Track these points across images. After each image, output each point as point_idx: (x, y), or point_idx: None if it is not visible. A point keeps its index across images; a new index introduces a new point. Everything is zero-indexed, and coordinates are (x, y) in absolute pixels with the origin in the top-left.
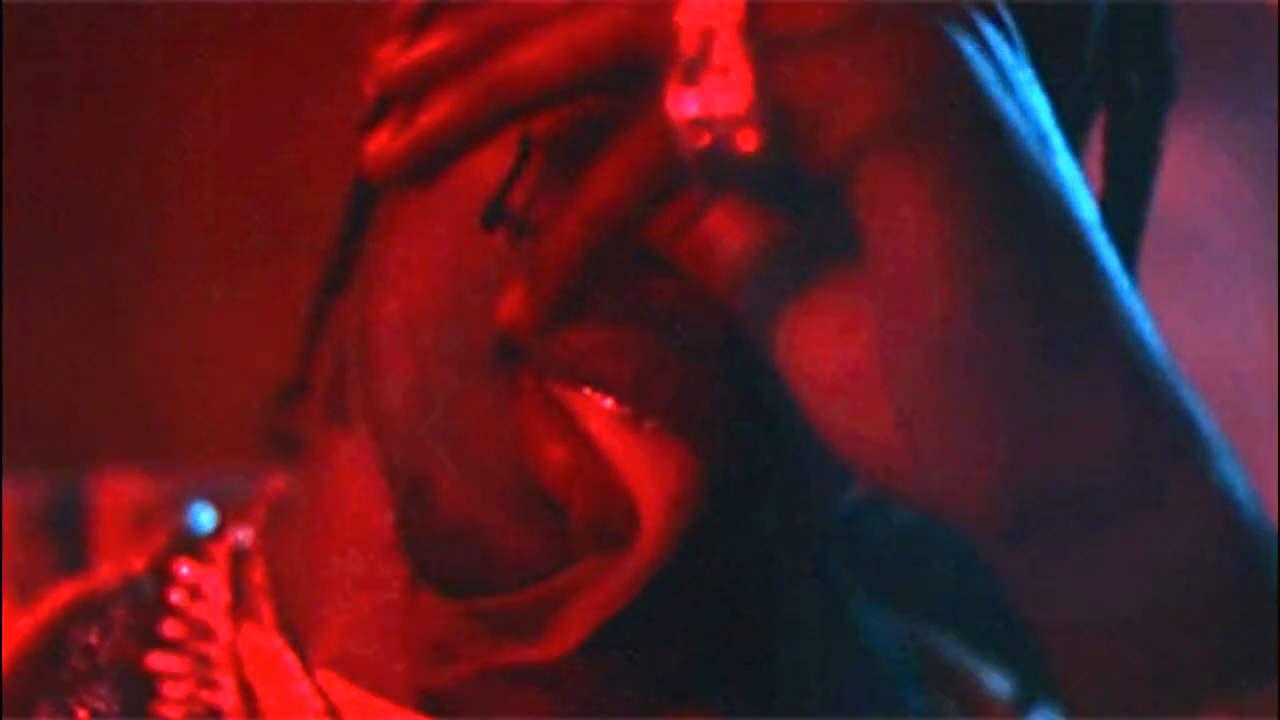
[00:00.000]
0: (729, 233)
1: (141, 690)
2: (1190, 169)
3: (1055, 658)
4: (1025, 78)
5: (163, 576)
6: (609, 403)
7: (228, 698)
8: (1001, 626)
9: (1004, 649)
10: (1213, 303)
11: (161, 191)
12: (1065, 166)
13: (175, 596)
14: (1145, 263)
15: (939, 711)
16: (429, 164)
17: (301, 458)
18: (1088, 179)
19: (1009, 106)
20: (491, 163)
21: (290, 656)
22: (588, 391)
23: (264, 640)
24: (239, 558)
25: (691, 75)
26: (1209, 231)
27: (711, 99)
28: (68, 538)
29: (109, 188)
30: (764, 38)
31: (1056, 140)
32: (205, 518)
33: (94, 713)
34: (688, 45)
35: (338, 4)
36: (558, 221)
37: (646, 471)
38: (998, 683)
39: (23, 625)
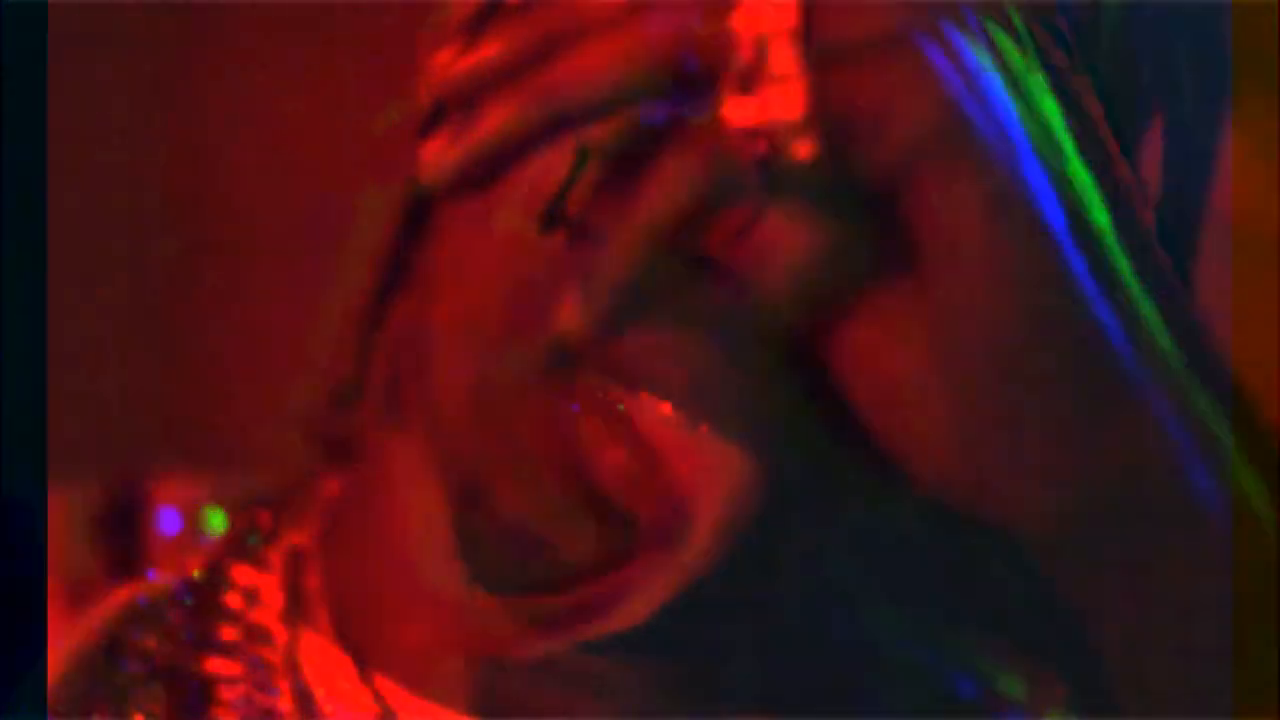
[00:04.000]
0: (785, 240)
1: (197, 694)
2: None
3: (1101, 657)
4: (1036, 84)
5: (219, 580)
6: (665, 407)
7: (284, 702)
8: (1017, 629)
9: (1021, 651)
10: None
11: (216, 195)
12: (1075, 171)
13: (231, 600)
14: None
15: (960, 712)
16: (485, 171)
17: (357, 461)
18: (1146, 181)
19: (1020, 113)
20: (548, 169)
21: (346, 660)
22: (644, 396)
23: (320, 644)
24: (295, 561)
25: (747, 83)
26: (1258, 231)
27: (768, 107)
28: (123, 541)
29: (162, 191)
30: (820, 45)
31: (1068, 145)
32: (261, 522)
33: (150, 716)
34: (744, 53)
35: (396, 8)
36: (614, 228)
37: (701, 474)
38: (1012, 685)
39: (78, 628)
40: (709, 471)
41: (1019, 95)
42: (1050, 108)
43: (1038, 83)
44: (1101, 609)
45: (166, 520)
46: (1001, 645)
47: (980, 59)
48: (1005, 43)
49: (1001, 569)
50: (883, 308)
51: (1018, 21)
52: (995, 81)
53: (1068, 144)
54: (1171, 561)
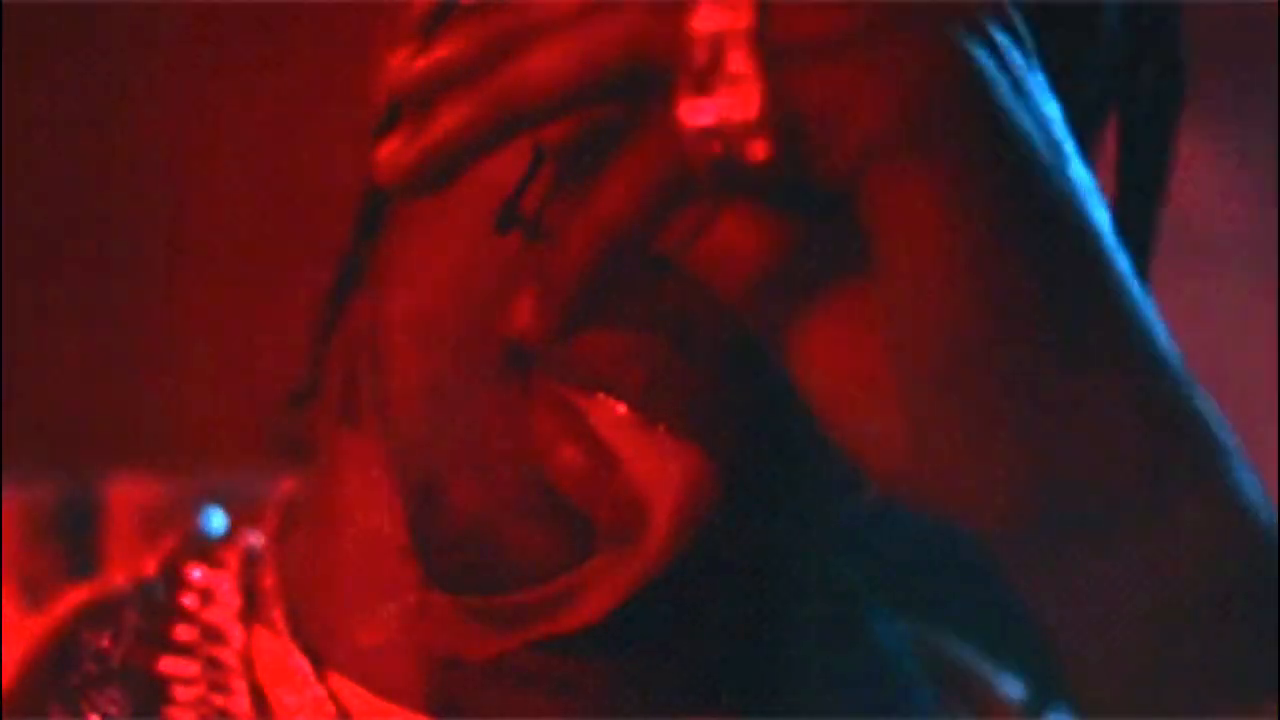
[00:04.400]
0: (740, 240)
1: (153, 694)
2: (1192, 168)
3: (1068, 660)
4: (1037, 82)
5: (174, 580)
6: (621, 407)
7: (239, 701)
8: (1013, 629)
9: (1015, 652)
10: (1213, 302)
11: (173, 195)
12: (1078, 172)
13: (187, 600)
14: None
15: (950, 714)
16: (441, 171)
17: (312, 460)
18: (1100, 182)
19: (1021, 113)
20: (504, 169)
21: (302, 660)
22: (600, 396)
23: (276, 644)
24: (250, 561)
25: (703, 84)
26: (1210, 231)
27: (722, 108)
28: (78, 541)
29: (120, 191)
30: (775, 46)
31: (1069, 146)
32: (216, 521)
33: (105, 716)
34: (699, 54)
35: (351, 8)
36: (569, 228)
37: (658, 474)
38: (1009, 686)
39: (33, 629)
40: (666, 472)
41: (1019, 94)
42: (1051, 107)
43: (1038, 81)
44: (1060, 610)
45: (206, 518)
46: (979, 644)
47: (978, 57)
48: (1004, 41)
49: (961, 567)
50: (838, 308)
51: (1017, 21)
52: (994, 80)
53: (1068, 144)
54: (1139, 556)
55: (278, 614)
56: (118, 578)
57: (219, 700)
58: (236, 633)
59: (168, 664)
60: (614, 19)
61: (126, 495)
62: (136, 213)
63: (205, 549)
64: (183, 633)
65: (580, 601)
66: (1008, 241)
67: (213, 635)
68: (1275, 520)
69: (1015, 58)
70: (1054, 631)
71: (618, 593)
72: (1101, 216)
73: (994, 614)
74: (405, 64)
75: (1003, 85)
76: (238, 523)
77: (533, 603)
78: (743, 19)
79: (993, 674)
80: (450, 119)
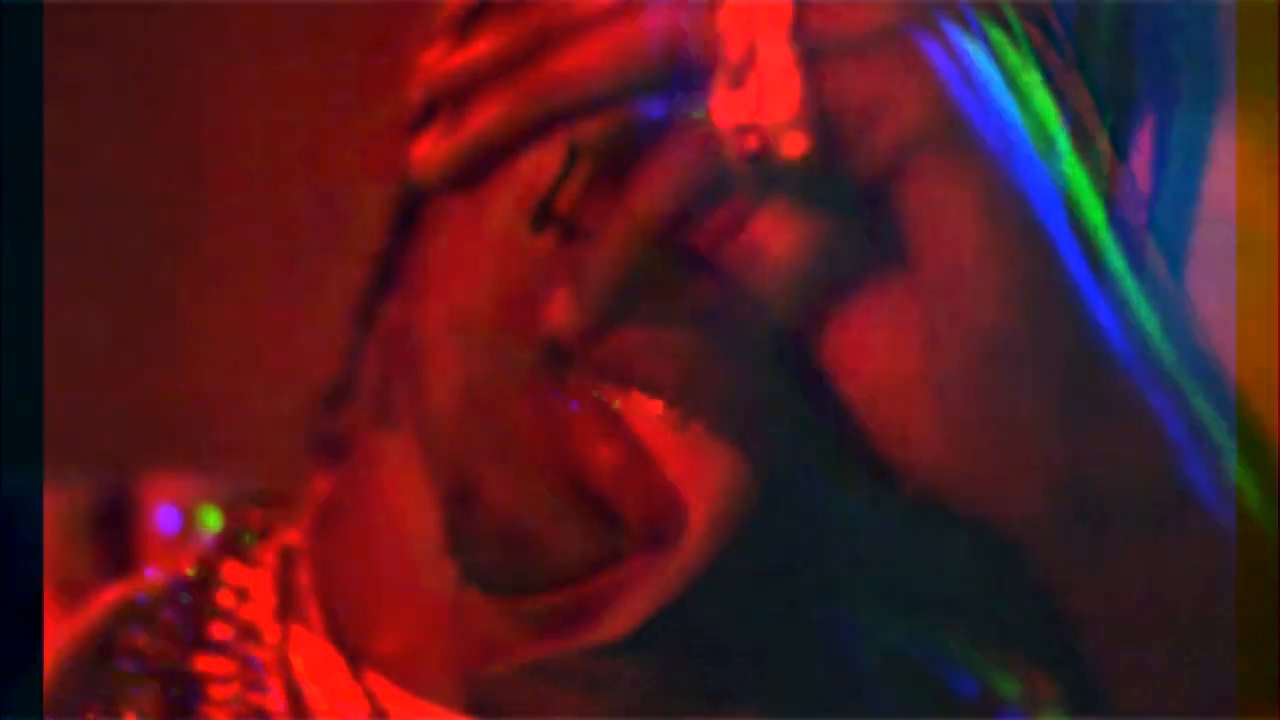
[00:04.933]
0: (775, 236)
1: (189, 692)
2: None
3: (1093, 656)
4: (1031, 80)
5: (210, 579)
6: (656, 405)
7: (275, 700)
8: (1010, 628)
9: (1012, 650)
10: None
11: (208, 193)
12: (1070, 169)
13: (223, 599)
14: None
15: (953, 712)
16: (476, 169)
17: (348, 459)
18: (1135, 179)
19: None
20: (539, 167)
21: (338, 658)
22: (635, 394)
23: (311, 642)
24: (286, 560)
25: (738, 80)
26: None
27: (758, 104)
28: (114, 540)
29: (155, 190)
30: (809, 42)
31: (1063, 143)
32: (253, 520)
33: (141, 714)
34: (734, 50)
35: (385, 6)
36: (604, 225)
37: (693, 472)
38: (1005, 683)
39: (70, 627)
40: (701, 469)
41: (1014, 92)
42: (1045, 105)
43: (1033, 80)
44: (1093, 606)
45: (165, 519)
46: (995, 643)
47: (976, 56)
48: (1001, 40)
49: (994, 566)
50: (874, 304)
51: (1013, 19)
52: (991, 78)
53: (1063, 142)
54: (1165, 559)
55: (313, 612)
56: (154, 576)
57: (255, 698)
58: (272, 631)
59: (204, 662)
60: (648, 15)
61: (162, 494)
62: (174, 212)
63: (242, 548)
64: (219, 631)
65: (617, 606)
66: (1042, 235)
67: (249, 633)
68: (1274, 519)
69: (1010, 56)
70: (1084, 627)
71: (656, 598)
72: (1095, 213)
73: (989, 611)
74: (440, 61)
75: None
76: (274, 522)
77: (569, 605)
78: (779, 15)
79: (987, 671)
80: (485, 115)
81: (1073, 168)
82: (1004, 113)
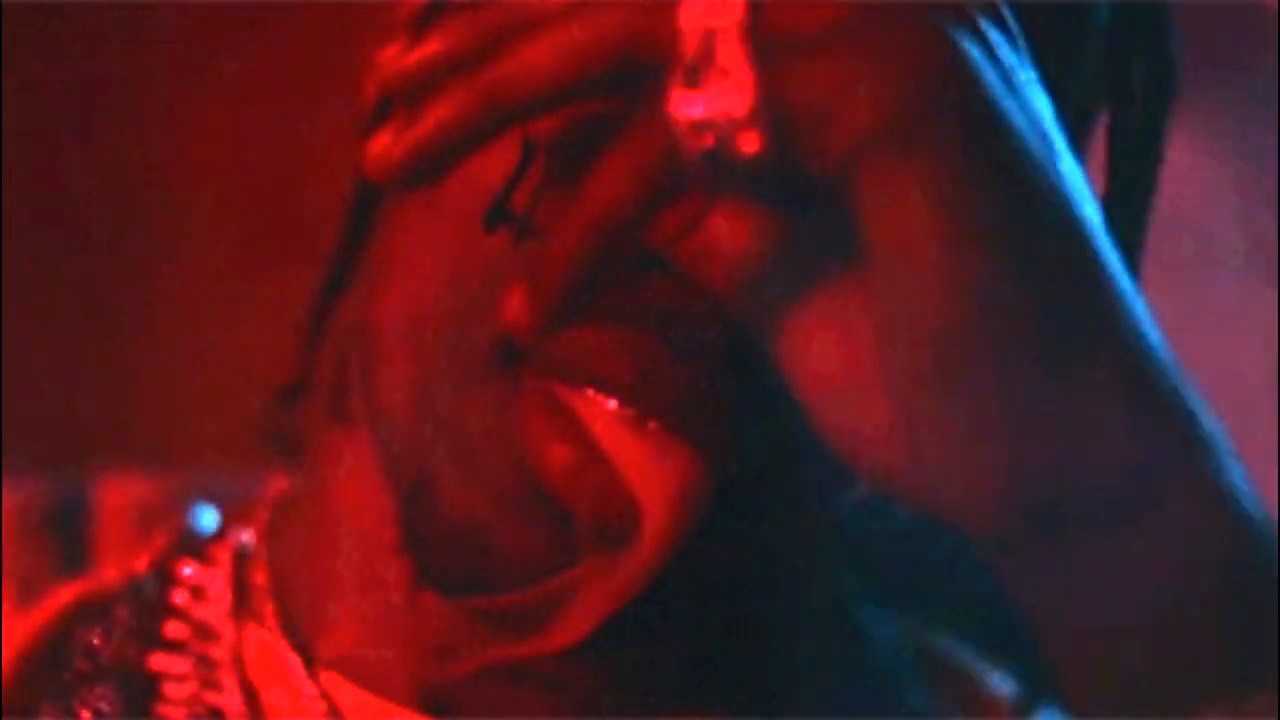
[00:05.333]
0: (730, 234)
1: (144, 691)
2: (1190, 167)
3: (1056, 658)
4: (1028, 78)
5: (165, 577)
6: (611, 404)
7: (230, 699)
8: (1005, 627)
9: (1007, 649)
10: (1213, 303)
11: (164, 193)
12: (1068, 167)
13: (178, 597)
14: (1146, 262)
15: (941, 712)
16: (431, 166)
17: (303, 458)
18: (1090, 179)
19: (1011, 107)
20: (494, 165)
21: (293, 657)
22: (590, 393)
23: (267, 641)
24: (241, 558)
25: (693, 77)
26: (1208, 230)
27: (713, 101)
28: (70, 538)
29: (112, 189)
30: (766, 40)
31: (1059, 141)
32: (208, 519)
33: (97, 713)
34: (690, 47)
35: (340, 5)
36: (560, 223)
37: (649, 471)
38: (1001, 683)
39: (25, 626)
40: (656, 470)
41: (1009, 89)
42: (1042, 102)
43: (1029, 77)
44: (1054, 603)
45: (201, 517)
46: (973, 642)
47: (969, 51)
48: (994, 36)
49: (954, 564)
50: (828, 303)
51: (1009, 18)
52: (984, 74)
53: (1059, 140)
54: (1134, 561)
55: (269, 611)
56: (109, 575)
57: (210, 697)
58: (228, 630)
59: (159, 661)
60: (604, 13)
61: (118, 493)
62: (127, 212)
63: (197, 546)
64: (174, 630)
65: (573, 609)
66: (997, 236)
67: (204, 632)
68: (1264, 513)
69: (1006, 53)
70: (1043, 629)
71: (610, 601)
72: (1091, 212)
73: (984, 610)
74: (396, 59)
75: (993, 79)
76: (229, 520)
77: (524, 605)
78: (734, 12)
79: (984, 672)
80: (440, 113)
81: (1069, 166)
82: (1004, 110)
